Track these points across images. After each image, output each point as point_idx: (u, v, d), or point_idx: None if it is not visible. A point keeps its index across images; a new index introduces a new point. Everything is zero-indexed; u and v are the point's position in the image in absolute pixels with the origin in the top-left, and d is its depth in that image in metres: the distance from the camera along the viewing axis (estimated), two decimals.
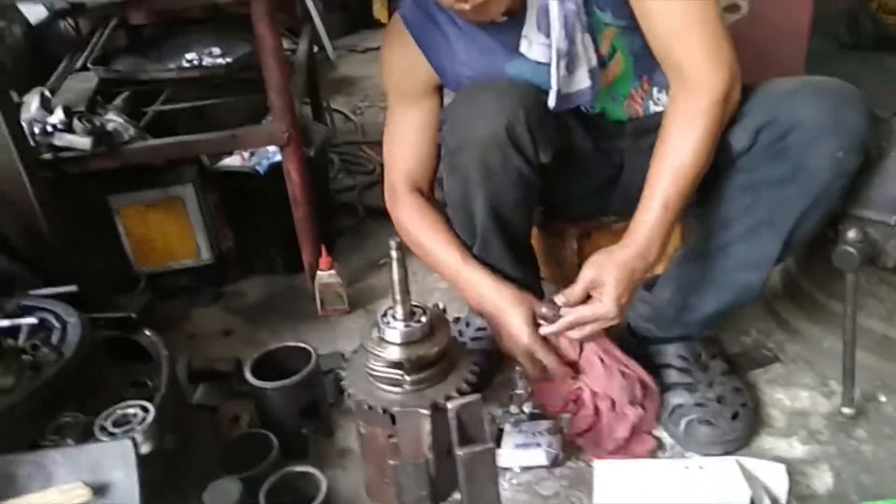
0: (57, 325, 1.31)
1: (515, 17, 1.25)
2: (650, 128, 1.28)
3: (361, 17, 4.77)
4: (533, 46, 1.25)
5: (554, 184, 1.36)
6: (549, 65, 1.23)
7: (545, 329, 1.26)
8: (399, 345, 1.15)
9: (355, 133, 3.12)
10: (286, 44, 2.46)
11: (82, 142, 1.61)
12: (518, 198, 1.29)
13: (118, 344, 1.46)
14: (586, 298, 1.22)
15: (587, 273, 1.21)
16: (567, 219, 1.67)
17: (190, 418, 1.47)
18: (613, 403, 1.34)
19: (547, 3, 1.19)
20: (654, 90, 1.34)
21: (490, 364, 1.54)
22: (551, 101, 1.24)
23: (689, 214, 1.32)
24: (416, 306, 1.17)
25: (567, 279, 1.71)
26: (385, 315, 1.18)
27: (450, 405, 1.04)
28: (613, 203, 1.52)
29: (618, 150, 1.40)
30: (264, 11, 1.58)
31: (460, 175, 1.28)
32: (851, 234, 1.23)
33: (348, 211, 2.38)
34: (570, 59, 1.22)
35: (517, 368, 1.52)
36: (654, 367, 1.41)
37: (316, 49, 3.19)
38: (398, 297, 1.15)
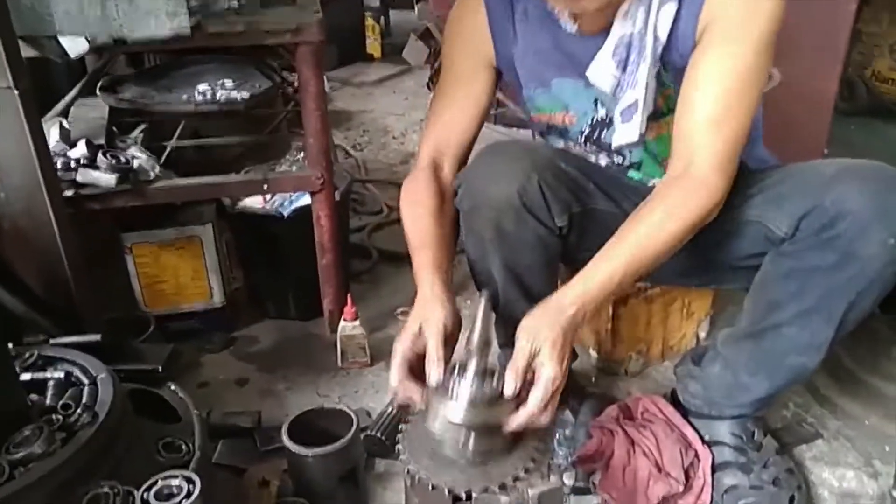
0: (85, 380, 1.21)
1: (588, 39, 1.24)
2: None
3: (354, 50, 4.74)
4: (603, 74, 1.22)
5: (580, 247, 1.32)
6: (606, 94, 1.23)
7: (516, 422, 1.06)
8: (469, 404, 1.04)
9: (357, 170, 3.06)
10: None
11: (107, 179, 1.53)
12: (536, 260, 1.28)
13: (139, 397, 1.37)
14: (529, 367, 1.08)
15: (523, 344, 1.06)
16: None
17: (216, 480, 1.37)
18: (658, 465, 1.32)
19: (631, 36, 1.18)
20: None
21: None
22: (617, 137, 1.24)
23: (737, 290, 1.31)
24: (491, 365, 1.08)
25: (602, 346, 1.70)
26: (454, 370, 1.06)
27: (531, 491, 0.98)
28: (662, 278, 1.50)
29: None
30: (311, 56, 1.53)
31: (476, 237, 1.28)
32: None
33: (360, 253, 2.31)
34: (635, 106, 1.21)
35: (556, 437, 1.48)
36: (705, 444, 1.38)
37: None
38: (475, 349, 1.05)
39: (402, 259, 2.21)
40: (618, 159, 1.36)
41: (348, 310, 1.73)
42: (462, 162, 1.37)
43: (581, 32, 1.25)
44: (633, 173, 1.38)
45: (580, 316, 1.09)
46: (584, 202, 1.29)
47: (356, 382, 1.74)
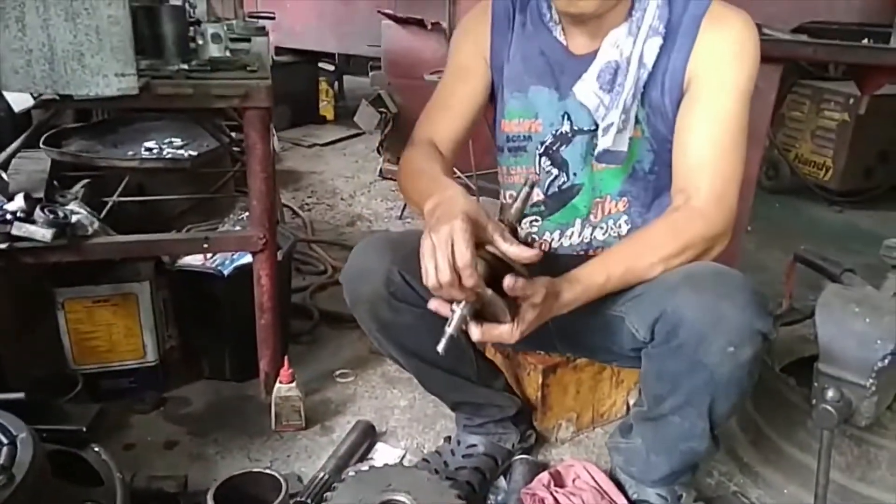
0: (4, 440, 1.17)
1: (574, 58, 1.35)
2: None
3: (307, 112, 4.83)
4: (587, 92, 1.33)
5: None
6: (589, 110, 1.33)
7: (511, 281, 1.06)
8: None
9: (304, 230, 3.08)
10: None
11: (43, 233, 1.51)
12: (427, 339, 1.22)
13: (61, 459, 1.32)
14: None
15: (537, 297, 1.11)
16: (526, 353, 1.70)
17: None
18: None
19: (617, 62, 1.29)
20: (618, 220, 1.40)
21: (482, 480, 1.54)
22: (601, 144, 1.30)
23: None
24: None
25: (532, 414, 1.72)
26: None
27: None
28: (558, 345, 1.57)
29: None
30: (258, 120, 1.56)
31: (366, 330, 1.42)
32: (830, 393, 1.29)
33: (301, 314, 2.31)
34: (624, 121, 1.29)
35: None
36: None
37: None
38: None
39: (343, 320, 2.22)
40: (562, 178, 1.41)
41: (284, 372, 1.73)
42: (455, 152, 1.44)
43: (569, 49, 1.36)
44: (576, 200, 1.42)
45: (563, 312, 1.19)
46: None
47: (289, 446, 1.72)
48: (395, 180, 3.79)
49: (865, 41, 2.08)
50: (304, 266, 2.68)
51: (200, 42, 1.71)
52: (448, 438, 1.66)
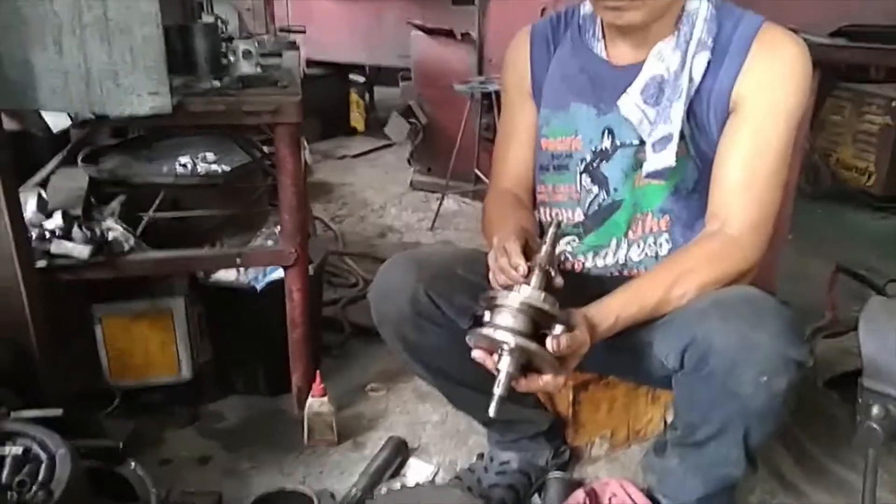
0: (44, 456, 1.19)
1: (615, 70, 1.33)
2: (612, 289, 1.25)
3: (338, 123, 4.86)
4: (631, 106, 1.30)
5: None
6: (632, 124, 1.30)
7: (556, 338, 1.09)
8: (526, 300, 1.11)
9: (335, 243, 3.10)
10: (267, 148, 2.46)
11: (80, 250, 1.53)
12: (456, 358, 1.27)
13: (99, 474, 1.34)
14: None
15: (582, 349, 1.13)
16: None
17: None
18: None
19: (663, 76, 1.26)
20: (658, 238, 1.36)
21: (516, 499, 1.54)
22: (650, 161, 1.28)
23: None
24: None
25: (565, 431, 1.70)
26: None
27: None
28: (587, 366, 1.52)
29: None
30: (288, 135, 1.57)
31: (394, 351, 1.40)
32: (876, 410, 1.24)
33: (332, 327, 2.31)
34: (671, 136, 1.26)
35: None
36: None
37: None
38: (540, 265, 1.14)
39: (374, 334, 2.20)
40: (602, 196, 1.38)
41: (317, 386, 1.73)
42: (529, 188, 1.49)
43: (610, 61, 1.35)
44: (616, 216, 1.39)
45: (603, 338, 1.19)
46: None
47: (322, 462, 1.71)
48: (424, 190, 3.79)
49: None
50: (336, 279, 2.69)
51: (232, 59, 1.73)
52: (481, 455, 1.64)
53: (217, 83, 1.63)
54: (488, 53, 3.41)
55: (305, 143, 4.27)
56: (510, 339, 1.06)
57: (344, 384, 2.02)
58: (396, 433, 1.80)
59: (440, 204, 3.40)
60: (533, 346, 1.06)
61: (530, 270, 1.14)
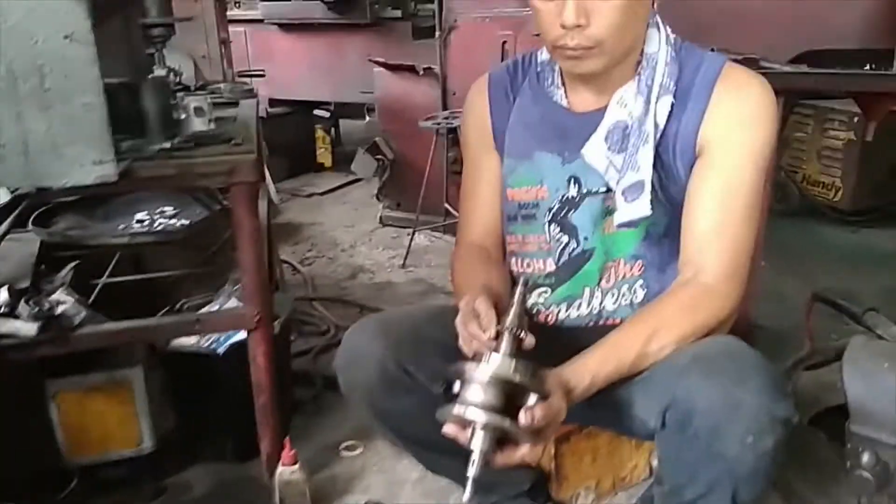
0: None
1: (577, 117, 1.29)
2: (588, 344, 1.21)
3: (305, 161, 4.80)
4: (596, 154, 1.27)
5: None
6: (599, 172, 1.27)
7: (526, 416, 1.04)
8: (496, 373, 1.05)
9: (304, 287, 3.02)
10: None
11: (28, 328, 1.45)
12: (429, 423, 1.17)
13: None
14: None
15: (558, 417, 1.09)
16: None
17: None
18: None
19: (627, 122, 1.23)
20: (632, 285, 1.32)
21: None
22: (622, 211, 1.25)
23: None
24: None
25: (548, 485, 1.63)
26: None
27: None
28: (567, 418, 1.46)
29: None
30: (245, 196, 1.51)
31: (367, 416, 1.34)
32: (866, 458, 1.20)
33: (303, 381, 2.23)
34: (642, 184, 1.22)
35: None
36: None
37: None
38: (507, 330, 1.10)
39: None
40: (573, 245, 1.34)
41: (287, 454, 1.64)
42: (498, 241, 1.44)
43: (571, 109, 1.31)
44: (588, 265, 1.34)
45: (580, 400, 1.14)
46: None
47: None
48: (394, 226, 3.74)
49: (868, 67, 2.02)
50: (306, 326, 2.61)
51: (183, 115, 1.67)
52: None
53: (167, 144, 1.56)
54: (452, 87, 3.38)
55: (272, 182, 4.22)
56: (481, 417, 1.01)
57: (317, 443, 1.94)
58: (374, 495, 1.72)
59: (411, 240, 3.34)
60: (506, 422, 1.01)
61: (499, 334, 1.08)
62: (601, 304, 1.35)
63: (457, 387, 1.08)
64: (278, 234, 3.58)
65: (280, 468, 1.65)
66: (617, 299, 1.35)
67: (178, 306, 1.92)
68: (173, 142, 1.58)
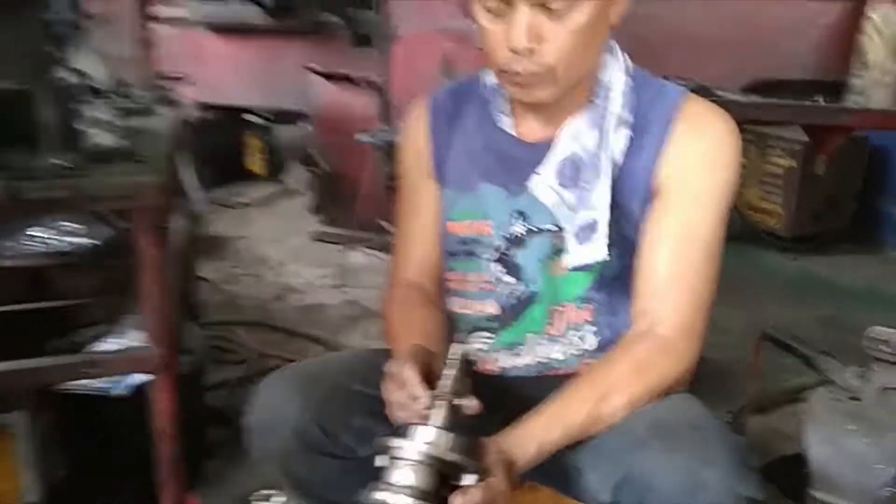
0: None
1: (525, 147, 1.17)
2: (535, 395, 1.11)
3: (235, 168, 4.55)
4: (545, 188, 1.14)
5: None
6: (548, 208, 1.14)
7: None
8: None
9: (227, 309, 2.81)
10: None
11: None
12: (357, 490, 1.04)
13: None
14: None
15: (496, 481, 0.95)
16: None
17: None
18: None
19: (580, 156, 1.11)
20: (581, 331, 1.19)
21: None
22: (575, 255, 1.13)
23: None
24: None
25: None
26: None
27: None
28: None
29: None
30: (149, 223, 1.32)
31: (282, 484, 1.25)
32: None
33: (218, 419, 2.03)
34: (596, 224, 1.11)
35: None
36: None
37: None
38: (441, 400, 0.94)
39: None
40: (519, 288, 1.21)
41: None
42: (436, 277, 1.30)
43: (519, 138, 1.18)
44: (533, 309, 1.21)
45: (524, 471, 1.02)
46: None
47: None
48: (328, 242, 3.56)
49: (819, 99, 1.97)
50: (226, 354, 2.41)
51: (85, 127, 1.46)
52: None
53: (61, 161, 1.36)
54: (392, 99, 3.23)
55: (198, 191, 3.97)
56: None
57: (232, 492, 1.75)
58: None
59: (346, 257, 3.17)
60: None
61: (434, 401, 0.94)
62: (548, 353, 1.22)
63: (381, 461, 0.93)
64: (201, 249, 3.35)
65: None
66: (566, 348, 1.22)
67: (73, 341, 1.70)
68: (69, 158, 1.38)
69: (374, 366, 1.16)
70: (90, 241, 1.89)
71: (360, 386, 1.15)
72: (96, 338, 1.72)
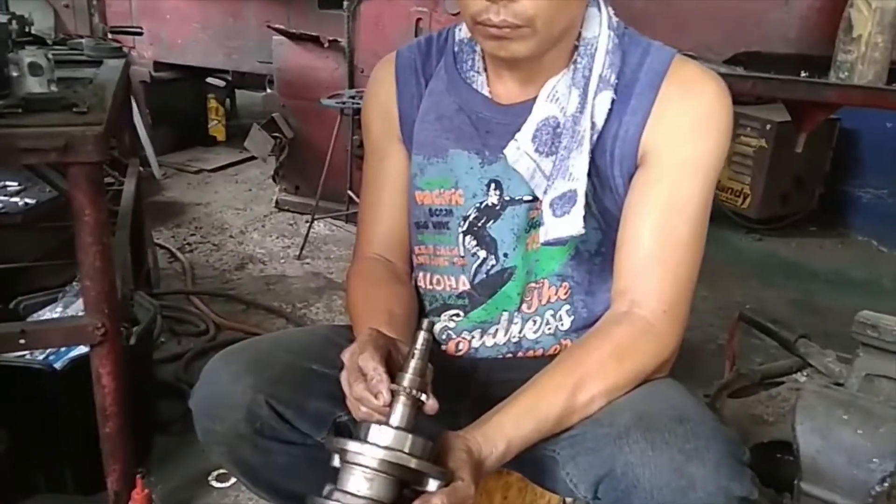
0: None
1: (501, 110, 1.07)
2: (507, 377, 1.04)
3: (194, 133, 4.38)
4: (521, 155, 1.04)
5: None
6: (523, 177, 1.05)
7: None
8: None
9: (182, 277, 2.68)
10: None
11: None
12: (312, 477, 0.98)
13: None
14: None
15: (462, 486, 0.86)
16: None
17: None
18: None
19: (559, 120, 1.02)
20: (557, 311, 1.12)
21: None
22: (550, 227, 1.03)
23: None
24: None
25: None
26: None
27: None
28: None
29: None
30: (85, 179, 1.20)
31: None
32: None
33: (171, 392, 1.92)
34: (574, 195, 1.01)
35: None
36: None
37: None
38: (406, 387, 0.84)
39: None
40: (490, 262, 1.13)
41: (137, 494, 1.36)
42: (403, 251, 1.21)
43: (494, 99, 1.08)
44: (507, 286, 1.13)
45: (493, 469, 0.94)
46: None
47: None
48: (292, 211, 3.43)
49: (803, 74, 1.91)
50: (180, 325, 2.29)
51: (16, 74, 1.33)
52: None
53: None
54: (359, 63, 3.10)
55: (153, 154, 3.80)
56: None
57: (183, 472, 1.66)
58: None
59: (309, 228, 3.05)
60: None
61: (394, 396, 0.85)
62: (521, 332, 1.14)
63: (336, 462, 0.84)
64: (157, 215, 3.21)
65: None
66: (539, 327, 1.14)
67: (11, 306, 1.57)
68: None
69: (332, 343, 1.07)
70: (28, 200, 1.76)
71: (316, 365, 1.05)
72: (37, 307, 1.59)
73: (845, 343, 1.46)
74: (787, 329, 1.59)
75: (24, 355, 1.46)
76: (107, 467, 1.42)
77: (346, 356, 0.92)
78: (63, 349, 1.48)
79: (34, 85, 1.31)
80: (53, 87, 1.34)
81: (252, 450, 1.01)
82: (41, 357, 1.47)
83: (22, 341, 1.25)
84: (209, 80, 4.39)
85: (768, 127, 3.32)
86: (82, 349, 1.45)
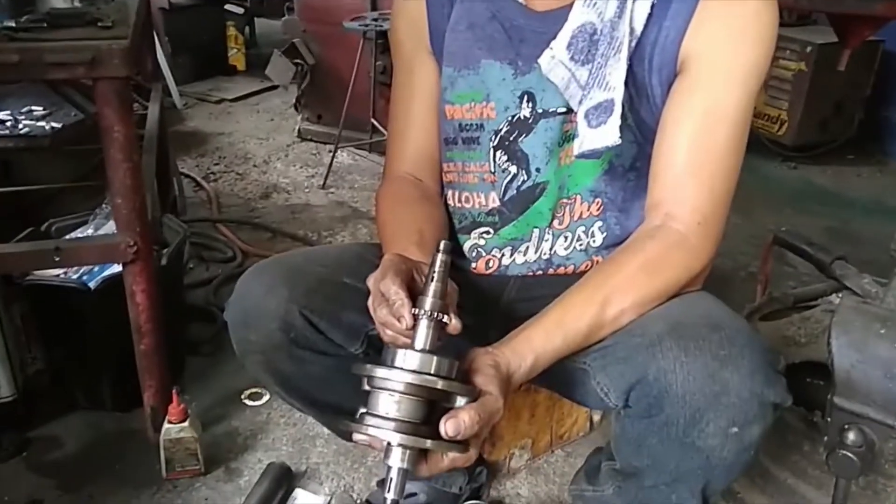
0: None
1: (536, 17, 1.04)
2: (537, 294, 1.04)
3: (214, 62, 4.33)
4: (556, 64, 1.01)
5: None
6: (557, 87, 1.02)
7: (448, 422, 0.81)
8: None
9: (208, 205, 2.68)
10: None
11: None
12: (347, 388, 0.97)
13: None
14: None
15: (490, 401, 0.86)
16: None
17: None
18: None
19: (595, 27, 0.98)
20: (589, 227, 1.10)
21: None
22: (585, 138, 1.00)
23: None
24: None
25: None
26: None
27: None
28: None
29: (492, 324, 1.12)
30: (114, 94, 1.18)
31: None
32: (852, 436, 1.04)
33: (201, 317, 1.95)
34: (611, 105, 0.98)
35: None
36: None
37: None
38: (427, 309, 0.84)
39: None
40: (521, 177, 1.11)
41: (174, 409, 1.38)
42: (434, 168, 1.19)
43: (528, 6, 1.05)
44: (539, 202, 1.12)
45: (521, 384, 0.94)
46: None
47: (185, 499, 1.39)
48: (315, 141, 3.40)
49: None
50: (208, 252, 2.30)
51: None
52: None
53: (12, 23, 1.21)
54: None
55: (174, 85, 3.76)
56: (395, 439, 0.78)
57: (215, 392, 1.69)
58: (279, 453, 1.50)
59: (333, 157, 3.02)
60: (427, 443, 0.79)
61: (417, 319, 0.84)
62: (552, 248, 1.12)
63: (366, 386, 0.84)
64: (180, 144, 3.19)
65: (166, 426, 1.39)
66: (571, 243, 1.12)
67: (43, 228, 1.58)
68: (20, 20, 1.22)
69: (364, 259, 1.07)
70: (55, 124, 1.75)
71: (349, 279, 1.05)
72: (68, 229, 1.61)
73: (881, 270, 1.42)
74: (823, 251, 1.55)
75: (58, 275, 1.47)
76: (143, 384, 1.45)
77: (370, 282, 0.92)
78: (96, 269, 1.49)
79: (58, 0, 1.28)
80: (77, 3, 1.31)
81: (287, 359, 1.02)
82: (75, 277, 1.49)
83: (57, 259, 1.26)
84: (228, 6, 4.31)
85: (808, 49, 3.18)
86: (115, 269, 1.46)
